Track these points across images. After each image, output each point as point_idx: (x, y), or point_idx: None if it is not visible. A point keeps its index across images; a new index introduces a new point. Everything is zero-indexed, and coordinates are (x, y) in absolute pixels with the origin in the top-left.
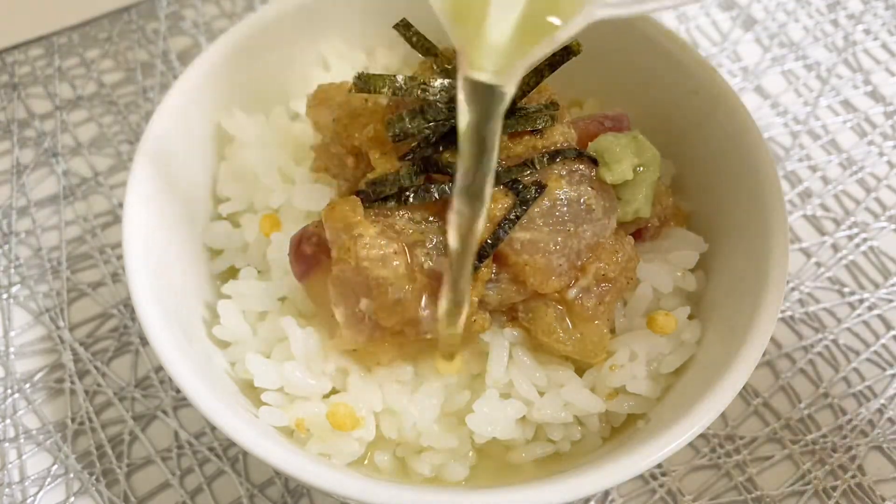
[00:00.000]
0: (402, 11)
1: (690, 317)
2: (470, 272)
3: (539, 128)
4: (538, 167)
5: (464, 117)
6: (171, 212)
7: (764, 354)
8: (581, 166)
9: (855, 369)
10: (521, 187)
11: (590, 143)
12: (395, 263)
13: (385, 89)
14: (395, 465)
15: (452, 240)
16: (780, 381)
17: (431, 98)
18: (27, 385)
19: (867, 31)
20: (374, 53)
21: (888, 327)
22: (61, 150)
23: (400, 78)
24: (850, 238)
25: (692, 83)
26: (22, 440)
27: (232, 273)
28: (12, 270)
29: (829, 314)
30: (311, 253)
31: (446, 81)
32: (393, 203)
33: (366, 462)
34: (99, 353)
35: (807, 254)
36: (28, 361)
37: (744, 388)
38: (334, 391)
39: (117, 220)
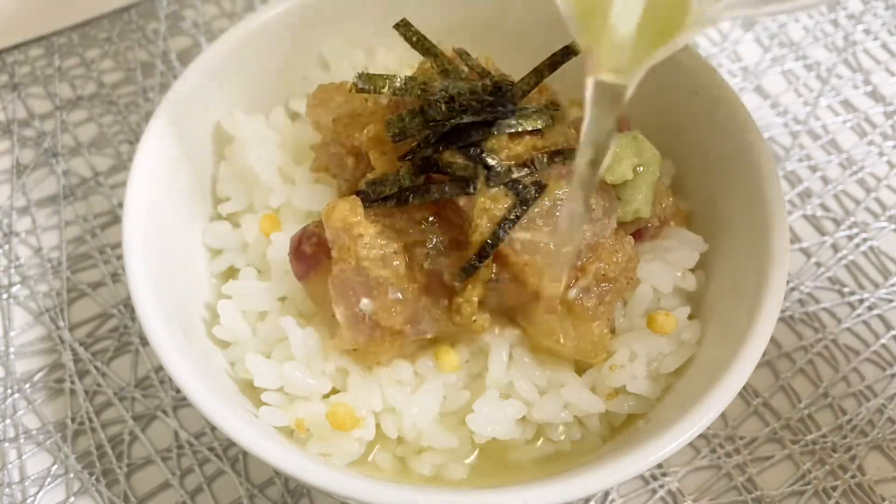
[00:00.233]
0: (402, 11)
1: (690, 317)
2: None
3: (539, 128)
4: (538, 167)
5: (588, 115)
6: (171, 212)
7: (764, 354)
8: None
9: (855, 369)
10: (521, 187)
11: None
12: (395, 263)
13: (385, 89)
14: (395, 464)
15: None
16: (780, 381)
17: (431, 98)
18: (27, 385)
19: (867, 31)
20: (374, 53)
21: (888, 327)
22: (61, 150)
23: (400, 78)
24: (850, 238)
25: (692, 83)
26: (22, 440)
27: (232, 273)
28: (12, 270)
29: (829, 314)
30: (311, 253)
31: (447, 81)
32: (393, 203)
33: (366, 462)
34: (99, 353)
35: (807, 254)
36: (28, 361)
37: (744, 388)
38: (334, 391)
39: (117, 220)
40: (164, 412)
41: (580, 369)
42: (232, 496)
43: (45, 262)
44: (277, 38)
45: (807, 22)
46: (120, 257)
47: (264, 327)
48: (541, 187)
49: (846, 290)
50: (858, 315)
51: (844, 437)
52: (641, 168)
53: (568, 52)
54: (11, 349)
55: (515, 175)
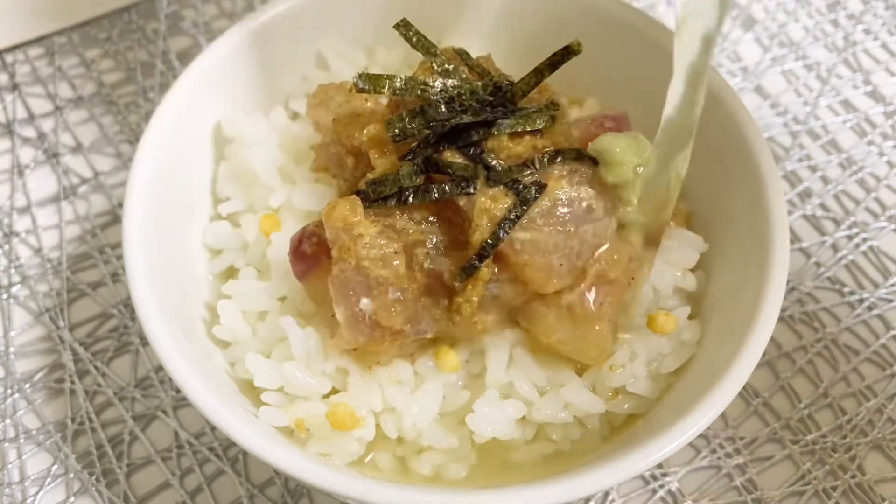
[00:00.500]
0: (402, 11)
1: (690, 317)
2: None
3: (539, 128)
4: (538, 167)
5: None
6: (171, 212)
7: (764, 354)
8: (581, 166)
9: (855, 369)
10: (521, 187)
11: (590, 143)
12: (395, 263)
13: (385, 89)
14: (395, 464)
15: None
16: (780, 381)
17: (431, 98)
18: (27, 385)
19: (867, 31)
20: (374, 53)
21: (888, 327)
22: (61, 150)
23: (400, 78)
24: (850, 238)
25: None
26: (22, 440)
27: (232, 273)
28: (12, 270)
29: (829, 314)
30: (311, 253)
31: (447, 81)
32: (393, 203)
33: (366, 462)
34: (99, 353)
35: (807, 254)
36: (28, 361)
37: (744, 388)
38: (334, 391)
39: (117, 220)
40: (164, 412)
41: (580, 369)
42: (232, 496)
43: (45, 262)
44: (277, 38)
45: (807, 22)
46: (120, 257)
47: (264, 327)
48: (541, 187)
49: (846, 290)
50: (858, 315)
51: (844, 437)
52: (641, 168)
53: (568, 52)
54: (11, 349)
55: (515, 175)
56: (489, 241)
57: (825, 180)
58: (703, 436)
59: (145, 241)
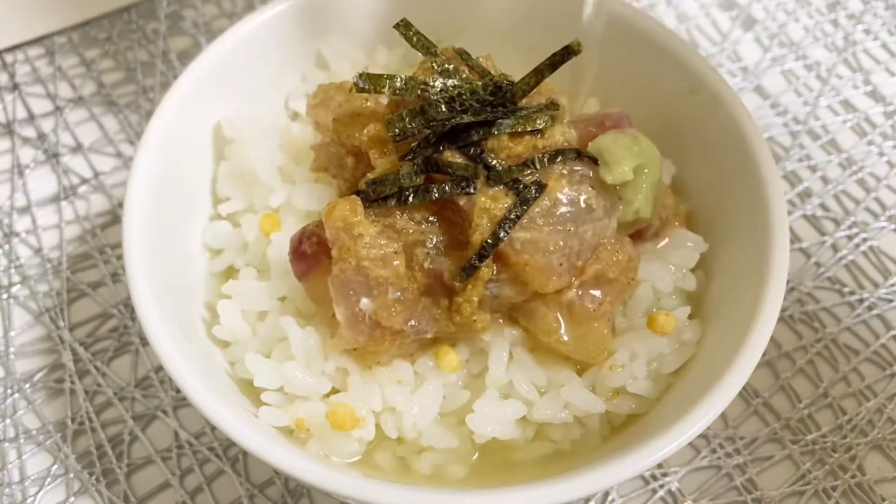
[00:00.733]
0: (402, 11)
1: (690, 317)
2: None
3: (539, 128)
4: (538, 167)
5: None
6: (171, 212)
7: (764, 354)
8: (581, 166)
9: (855, 369)
10: (521, 187)
11: (590, 143)
12: (395, 263)
13: (385, 89)
14: (396, 464)
15: None
16: (780, 381)
17: (431, 98)
18: (27, 385)
19: (867, 31)
20: (374, 53)
21: (888, 327)
22: (61, 150)
23: (400, 78)
24: (850, 238)
25: (692, 83)
26: (22, 440)
27: (232, 273)
28: (12, 270)
29: (829, 314)
30: (311, 253)
31: (447, 81)
32: (393, 203)
33: (366, 462)
34: (99, 353)
35: (807, 254)
36: (28, 361)
37: (744, 388)
38: (334, 391)
39: (117, 220)
40: (164, 412)
41: (580, 369)
42: (232, 496)
43: (45, 262)
44: (277, 38)
45: (807, 22)
46: (120, 257)
47: (264, 327)
48: (541, 187)
49: (846, 290)
50: (858, 315)
51: (844, 437)
52: (641, 168)
53: (568, 52)
54: (11, 349)
55: (515, 175)
56: (489, 240)
57: (825, 180)
58: (703, 436)
59: (145, 241)
